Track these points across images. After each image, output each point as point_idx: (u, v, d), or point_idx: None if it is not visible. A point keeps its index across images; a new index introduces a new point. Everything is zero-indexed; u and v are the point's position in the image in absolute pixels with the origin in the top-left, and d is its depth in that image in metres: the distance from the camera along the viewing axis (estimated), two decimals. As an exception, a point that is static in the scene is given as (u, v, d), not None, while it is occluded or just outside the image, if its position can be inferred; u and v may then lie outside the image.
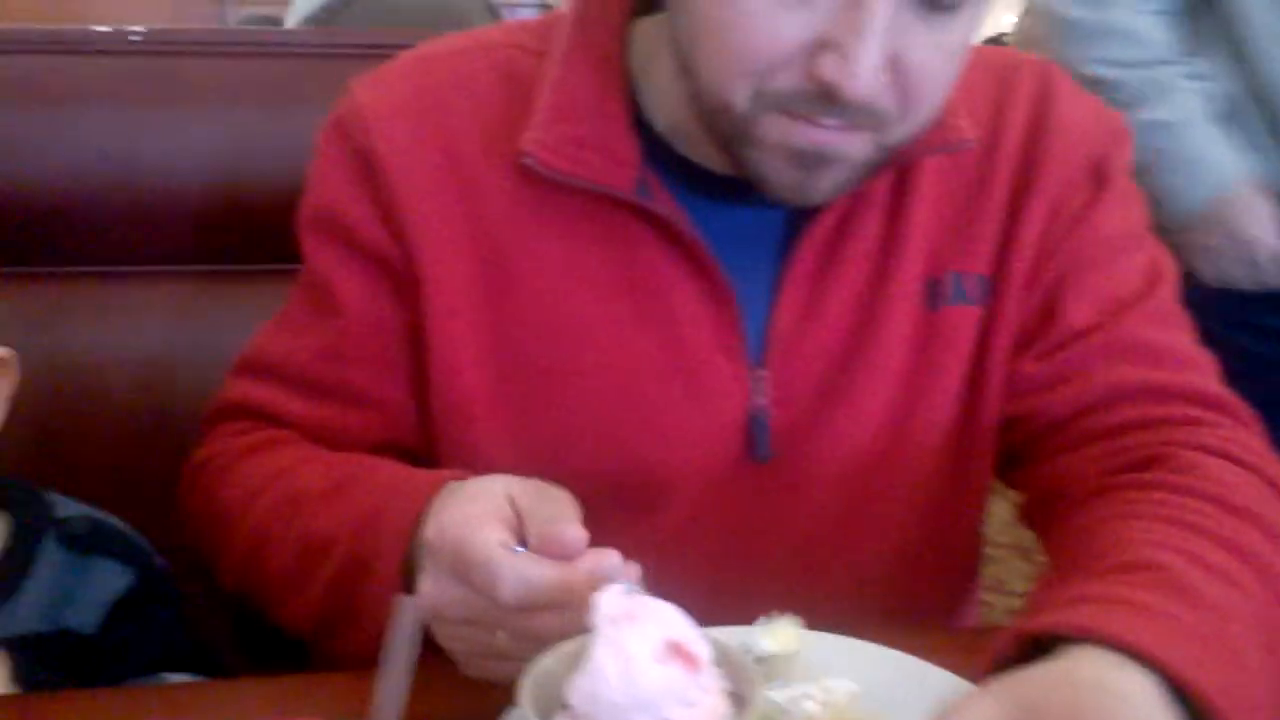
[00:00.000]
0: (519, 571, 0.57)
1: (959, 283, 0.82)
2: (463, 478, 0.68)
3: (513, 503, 0.62)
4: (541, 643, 0.57)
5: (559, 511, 0.62)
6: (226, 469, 0.84)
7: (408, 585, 0.66)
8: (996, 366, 0.82)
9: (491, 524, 0.60)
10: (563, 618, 0.57)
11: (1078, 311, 0.81)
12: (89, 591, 0.82)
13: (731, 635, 0.63)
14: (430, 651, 0.54)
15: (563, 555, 0.58)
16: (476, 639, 0.61)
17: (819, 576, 0.82)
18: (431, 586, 0.61)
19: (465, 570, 0.58)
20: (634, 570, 0.60)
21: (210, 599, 0.88)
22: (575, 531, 0.59)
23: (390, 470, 0.76)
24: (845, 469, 0.82)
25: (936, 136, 0.77)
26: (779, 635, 0.65)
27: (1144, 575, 0.62)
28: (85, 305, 1.09)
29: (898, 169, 0.80)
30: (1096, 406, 0.79)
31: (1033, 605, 0.64)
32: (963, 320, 0.82)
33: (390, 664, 0.34)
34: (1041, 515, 0.81)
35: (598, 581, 0.55)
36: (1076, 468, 0.78)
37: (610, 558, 0.58)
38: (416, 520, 0.67)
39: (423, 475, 0.73)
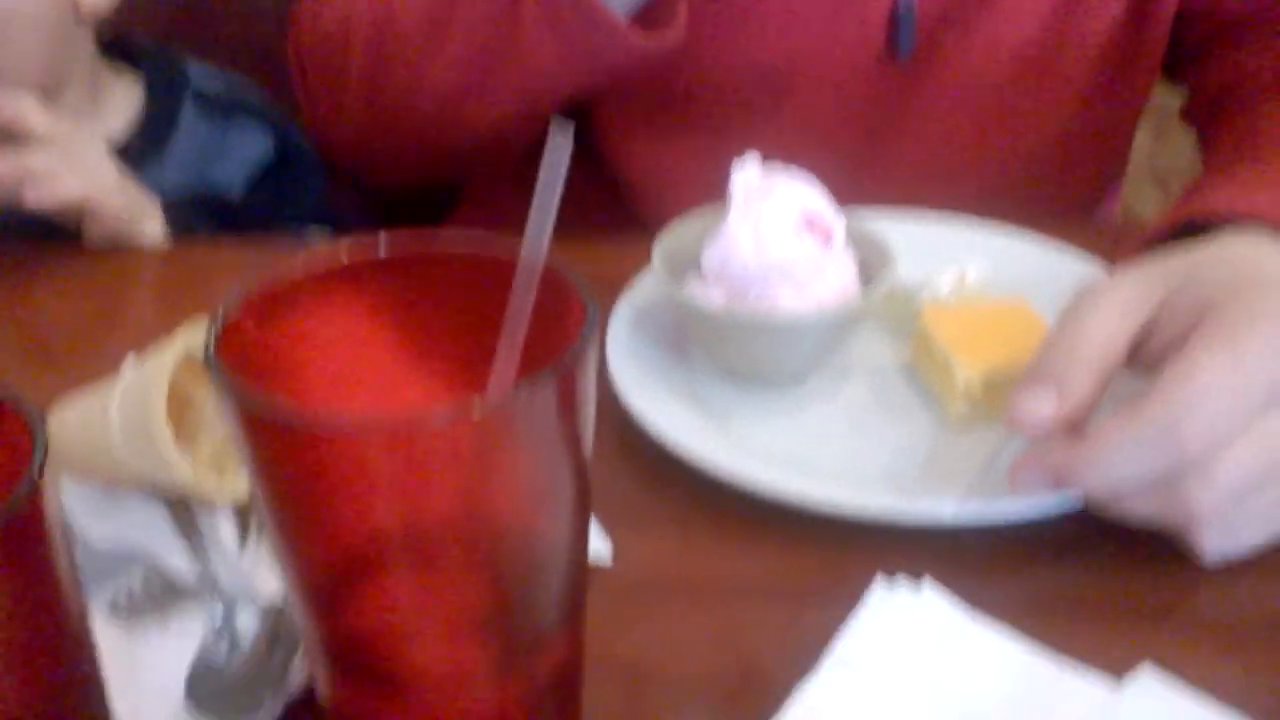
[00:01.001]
0: None
1: None
2: None
3: None
4: None
5: None
6: None
7: None
8: None
9: None
10: None
11: None
12: (232, 154, 0.84)
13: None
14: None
15: None
16: None
17: (956, 180, 0.80)
18: None
19: None
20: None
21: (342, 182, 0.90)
22: None
23: None
24: (995, 69, 0.77)
25: None
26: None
27: None
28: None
29: None
30: None
31: (1188, 193, 0.60)
32: None
33: (544, 195, 0.34)
34: (1208, 113, 0.76)
35: None
36: (1254, 65, 0.73)
37: None
38: None
39: None
